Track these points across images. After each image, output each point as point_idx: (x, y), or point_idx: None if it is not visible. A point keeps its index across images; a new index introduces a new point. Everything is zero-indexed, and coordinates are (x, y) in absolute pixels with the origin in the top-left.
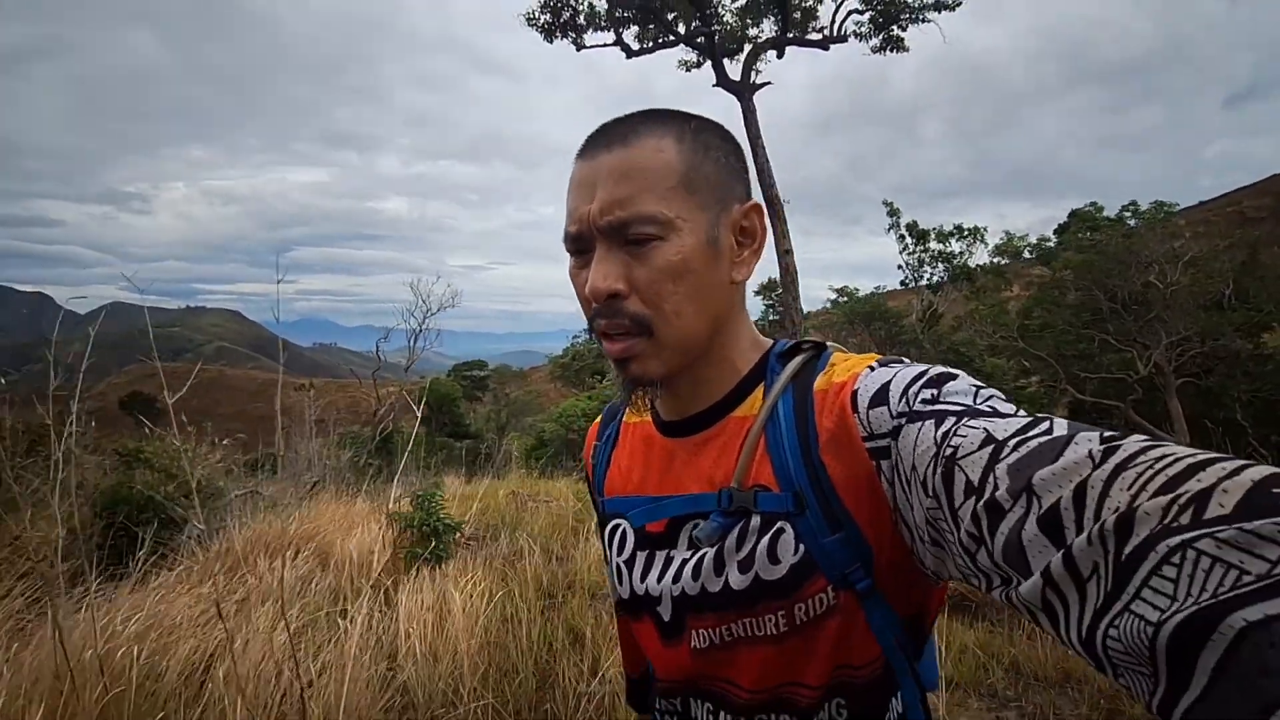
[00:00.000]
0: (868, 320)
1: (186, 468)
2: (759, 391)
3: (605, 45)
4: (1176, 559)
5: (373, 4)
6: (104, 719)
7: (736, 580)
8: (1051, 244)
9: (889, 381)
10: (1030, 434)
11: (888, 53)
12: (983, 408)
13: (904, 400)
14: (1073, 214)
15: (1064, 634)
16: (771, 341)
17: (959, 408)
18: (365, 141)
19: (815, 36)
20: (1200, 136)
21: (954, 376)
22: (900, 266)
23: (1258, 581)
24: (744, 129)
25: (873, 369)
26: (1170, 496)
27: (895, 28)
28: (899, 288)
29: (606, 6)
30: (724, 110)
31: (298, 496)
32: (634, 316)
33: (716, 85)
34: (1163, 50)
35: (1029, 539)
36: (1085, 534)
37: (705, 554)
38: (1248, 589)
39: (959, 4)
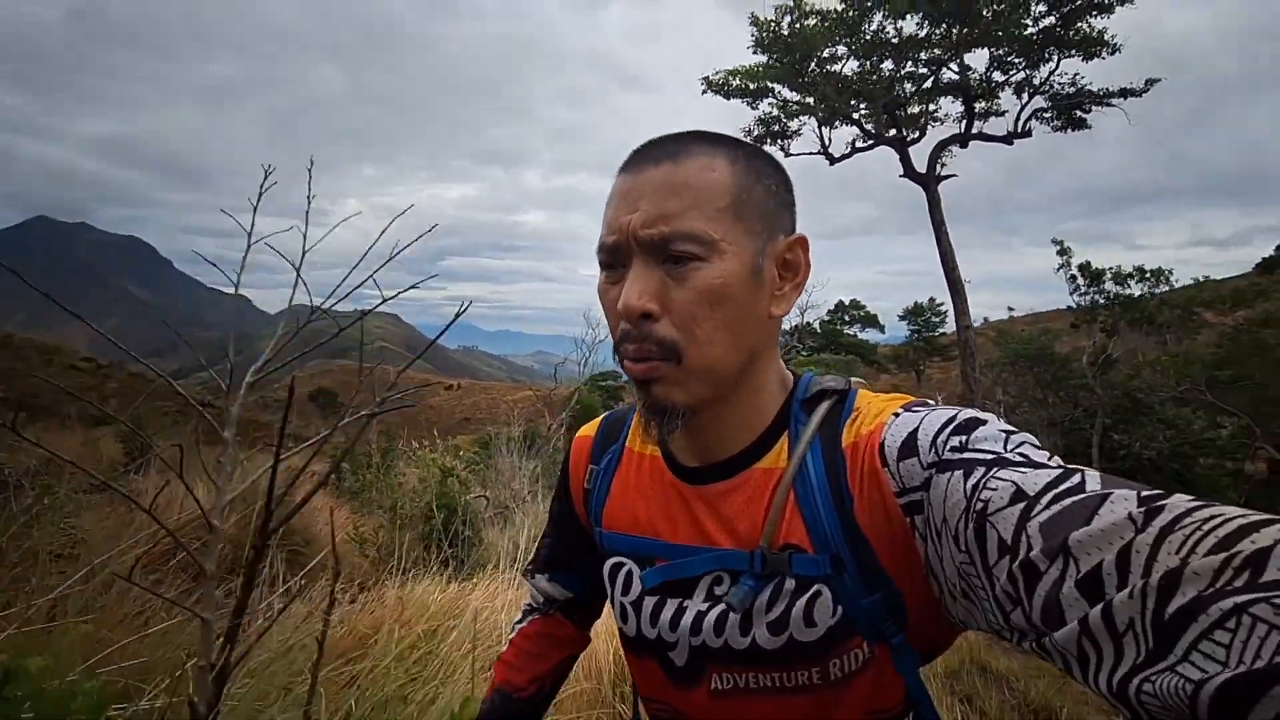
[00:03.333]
0: (1032, 362)
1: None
2: (783, 442)
3: (811, 154)
4: (1231, 624)
5: (526, 25)
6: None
7: (766, 640)
8: (1252, 278)
9: (916, 429)
10: (1061, 489)
11: (1069, 131)
12: (1013, 456)
13: (933, 449)
14: None
15: (1093, 680)
16: (793, 379)
17: (989, 456)
18: (512, 157)
19: (999, 131)
20: None
21: (983, 422)
22: (1070, 307)
23: None
24: (929, 217)
25: (898, 415)
26: (1223, 557)
27: (1078, 111)
28: (1063, 309)
29: (813, 121)
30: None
31: (514, 505)
32: (662, 341)
33: (903, 176)
34: None
35: (1069, 602)
36: (1128, 589)
37: (730, 613)
38: None
39: (1145, 91)
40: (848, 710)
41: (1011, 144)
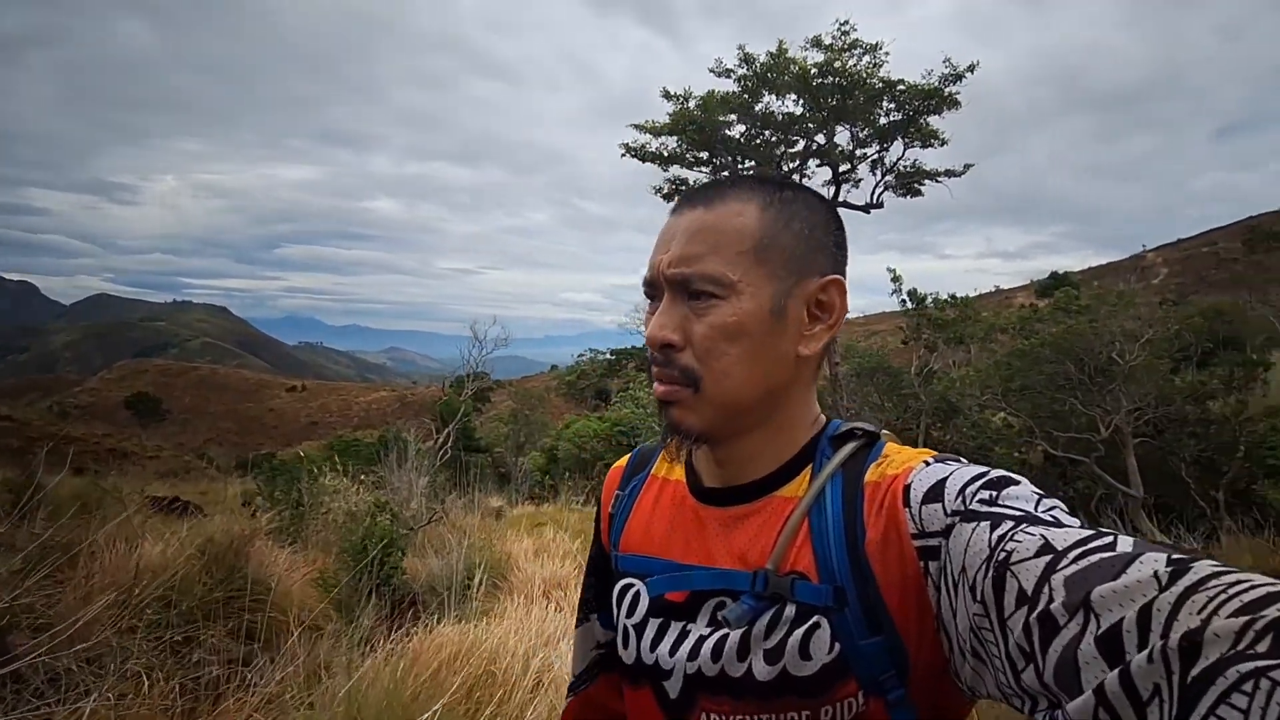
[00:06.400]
0: (871, 374)
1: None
2: (806, 473)
3: None
4: (1248, 687)
5: (373, 0)
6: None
7: (761, 670)
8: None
9: (945, 478)
10: (1091, 546)
11: (909, 198)
12: (1044, 516)
13: (960, 499)
14: (1053, 276)
15: None
16: (826, 421)
17: (1018, 513)
18: (359, 140)
19: (859, 200)
20: (1190, 168)
21: (1016, 482)
22: (902, 328)
23: None
24: None
25: (928, 464)
26: (1245, 620)
27: (916, 184)
28: (889, 312)
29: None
30: None
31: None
32: (684, 369)
33: None
34: (1156, 80)
35: (1086, 659)
36: (1146, 651)
37: (729, 635)
38: None
39: (964, 172)
40: None
41: (869, 213)
